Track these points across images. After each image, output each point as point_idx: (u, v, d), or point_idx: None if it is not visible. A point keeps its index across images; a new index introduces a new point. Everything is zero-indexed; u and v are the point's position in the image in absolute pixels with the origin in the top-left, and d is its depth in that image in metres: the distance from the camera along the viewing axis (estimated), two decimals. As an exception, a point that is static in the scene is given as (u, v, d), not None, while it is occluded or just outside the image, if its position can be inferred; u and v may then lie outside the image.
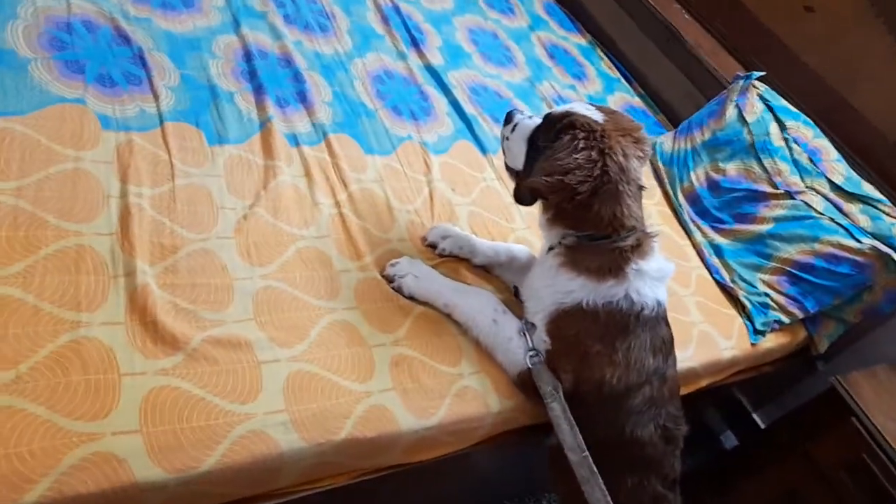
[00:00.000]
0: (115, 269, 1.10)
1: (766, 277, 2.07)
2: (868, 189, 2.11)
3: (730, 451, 2.66)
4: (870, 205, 2.06)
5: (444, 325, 1.38)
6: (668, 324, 1.37)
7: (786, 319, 2.00)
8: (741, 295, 2.04)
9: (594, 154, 1.21)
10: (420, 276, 1.39)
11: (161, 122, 1.40)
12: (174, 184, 1.30)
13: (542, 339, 1.32)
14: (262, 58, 1.75)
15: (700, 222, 2.28)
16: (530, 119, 1.41)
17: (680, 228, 2.25)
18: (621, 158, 1.24)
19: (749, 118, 2.34)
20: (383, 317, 1.33)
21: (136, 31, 1.56)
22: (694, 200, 2.33)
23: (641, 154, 1.31)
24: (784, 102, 2.38)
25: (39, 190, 1.13)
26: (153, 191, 1.26)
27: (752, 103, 2.38)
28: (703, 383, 1.84)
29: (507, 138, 1.44)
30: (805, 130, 2.31)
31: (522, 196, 1.39)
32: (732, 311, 1.99)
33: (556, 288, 1.31)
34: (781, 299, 2.02)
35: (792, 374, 2.35)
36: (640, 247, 1.29)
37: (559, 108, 1.35)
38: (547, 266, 1.34)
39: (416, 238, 1.55)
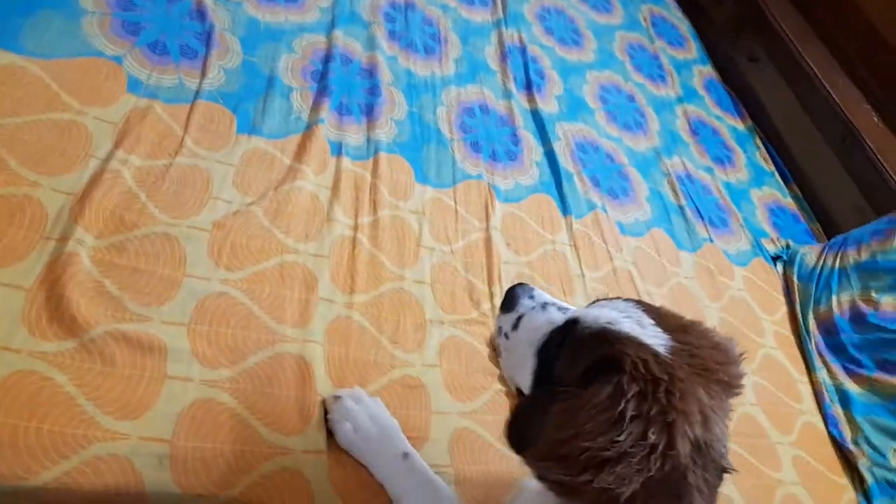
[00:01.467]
0: (51, 231, 0.98)
1: (904, 450, 1.57)
2: None
3: None
4: None
5: (422, 399, 1.12)
6: None
7: (921, 514, 1.48)
8: (862, 463, 1.56)
9: (653, 433, 0.69)
10: (360, 431, 1.00)
11: (195, 98, 1.31)
12: (174, 161, 1.18)
13: None
14: (345, 63, 1.63)
15: (829, 358, 1.81)
16: (544, 310, 0.92)
17: (800, 360, 1.80)
18: (699, 431, 0.72)
19: (924, 246, 1.85)
20: (350, 366, 1.10)
21: (217, 10, 1.50)
22: (829, 331, 1.87)
23: (732, 405, 0.81)
24: (979, 233, 1.86)
25: (18, 131, 1.05)
26: (144, 162, 1.15)
27: (933, 229, 1.89)
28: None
29: (507, 336, 0.95)
30: None
31: (519, 446, 0.84)
32: (843, 481, 1.52)
33: None
34: (919, 485, 1.51)
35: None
36: None
37: (595, 312, 0.83)
38: None
39: (441, 285, 1.31)
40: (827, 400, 1.70)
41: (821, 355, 1.82)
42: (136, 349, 0.93)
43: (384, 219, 1.35)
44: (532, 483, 0.94)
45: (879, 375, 1.72)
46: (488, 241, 1.46)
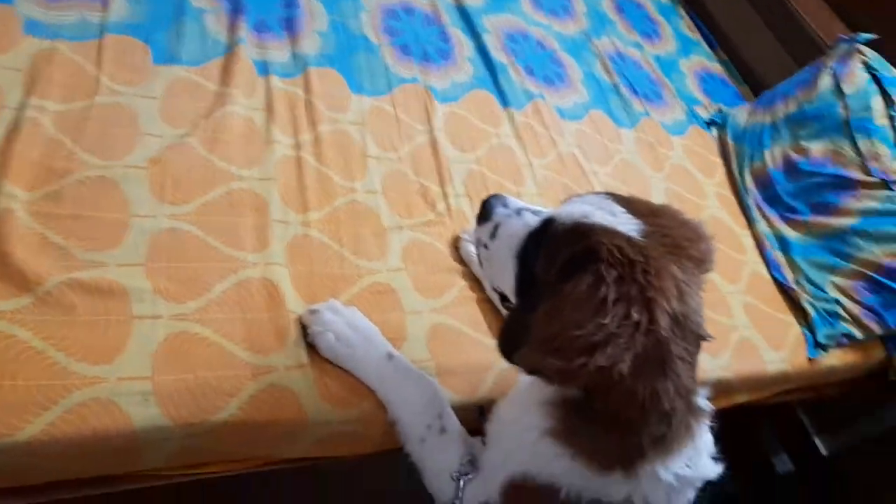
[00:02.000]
0: (-24, 191, 0.93)
1: (841, 282, 1.69)
2: None
3: (783, 476, 2.29)
4: None
5: (394, 302, 1.14)
6: None
7: (858, 334, 1.62)
8: (804, 299, 1.67)
9: (635, 311, 0.74)
10: (342, 340, 1.01)
11: (101, 33, 1.22)
12: (93, 101, 1.11)
13: (488, 492, 0.91)
14: (253, -23, 1.53)
15: (767, 210, 1.91)
16: (519, 216, 0.95)
17: (741, 215, 1.89)
18: (676, 305, 0.77)
19: (847, 90, 1.93)
20: (318, 282, 1.10)
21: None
22: (764, 184, 1.96)
23: (704, 279, 0.85)
24: (896, 72, 1.94)
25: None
26: (62, 107, 1.08)
27: (854, 72, 1.96)
28: (740, 399, 1.51)
29: (486, 246, 0.99)
30: (918, 107, 1.87)
31: (512, 354, 0.86)
32: (789, 318, 1.63)
33: (533, 455, 0.86)
34: (856, 309, 1.64)
35: (866, 400, 1.95)
36: (672, 441, 0.81)
37: (568, 209, 0.86)
38: (528, 418, 0.87)
39: (393, 192, 1.31)
40: (768, 248, 1.80)
41: (759, 208, 1.91)
42: (95, 295, 0.91)
43: (325, 134, 1.32)
44: (524, 377, 0.99)
45: (813, 218, 1.83)
46: (434, 144, 1.45)
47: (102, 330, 0.89)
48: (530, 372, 0.84)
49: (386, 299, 1.14)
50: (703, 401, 0.84)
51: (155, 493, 0.96)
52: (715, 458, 0.86)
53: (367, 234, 1.21)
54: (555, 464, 0.83)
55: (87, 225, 0.97)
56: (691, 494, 0.84)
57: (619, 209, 0.83)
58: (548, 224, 0.87)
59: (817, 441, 2.35)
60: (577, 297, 0.75)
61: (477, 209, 1.31)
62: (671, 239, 0.81)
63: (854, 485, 2.00)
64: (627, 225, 0.80)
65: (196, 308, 0.97)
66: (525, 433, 0.87)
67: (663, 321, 0.74)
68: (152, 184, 1.07)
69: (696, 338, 0.80)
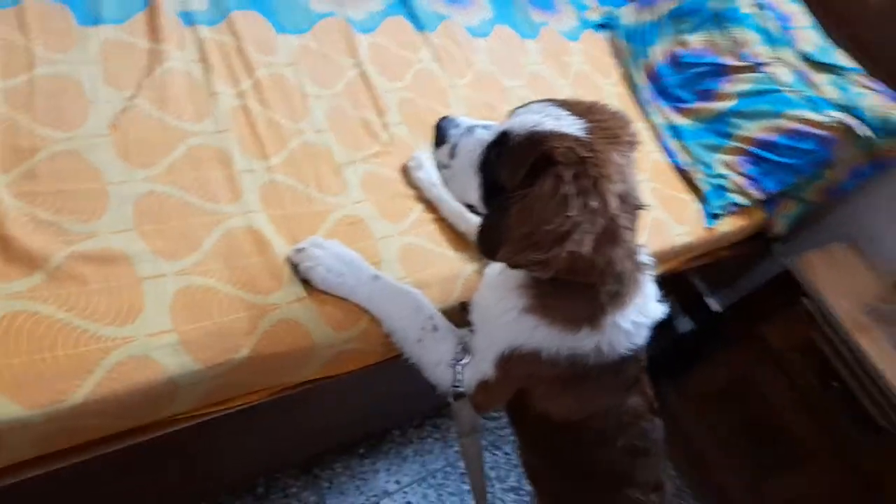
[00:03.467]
0: (-48, 180, 0.93)
1: (725, 158, 1.95)
2: (840, 59, 1.95)
3: (684, 335, 2.65)
4: (840, 75, 1.91)
5: (365, 231, 1.25)
6: (638, 360, 1.11)
7: (743, 201, 1.90)
8: (698, 178, 1.92)
9: (592, 199, 0.88)
10: (332, 271, 1.11)
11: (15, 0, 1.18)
12: (33, 73, 1.10)
13: (483, 370, 1.09)
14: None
15: (659, 102, 2.12)
16: (471, 133, 1.06)
17: (638, 110, 2.09)
18: (620, 186, 0.92)
19: (716, -18, 2.13)
20: (294, 222, 1.18)
21: None
22: (654, 78, 2.15)
23: (634, 157, 0.99)
24: (754, -37, 2.15)
25: None
26: (5, 83, 1.06)
27: (721, -36, 2.15)
28: (658, 271, 1.75)
29: (446, 166, 1.09)
30: (776, -6, 2.11)
31: (492, 253, 1.00)
32: (688, 196, 1.88)
33: (515, 331, 1.04)
34: (740, 180, 1.91)
35: (749, 258, 2.29)
36: (625, 294, 1.00)
37: (519, 120, 0.98)
38: (506, 301, 1.05)
39: (338, 128, 1.38)
40: (664, 137, 2.02)
41: (652, 101, 2.12)
42: (100, 264, 0.96)
43: (263, 79, 1.36)
44: (492, 269, 1.15)
45: (699, 105, 2.06)
46: (364, 76, 1.51)
47: (117, 294, 0.95)
48: (512, 266, 0.99)
49: (357, 229, 1.24)
50: (644, 256, 1.04)
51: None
52: (660, 301, 1.08)
53: (326, 172, 1.29)
54: (535, 333, 1.02)
55: (69, 198, 1.00)
56: (645, 333, 1.07)
57: (563, 113, 0.96)
58: (503, 136, 0.99)
59: (710, 301, 2.74)
60: (544, 197, 0.89)
61: (415, 136, 1.43)
62: (608, 131, 0.95)
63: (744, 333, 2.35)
64: (572, 126, 0.93)
65: (194, 262, 1.04)
66: (505, 314, 1.05)
67: (613, 202, 0.90)
68: (118, 150, 1.09)
69: (635, 208, 0.97)
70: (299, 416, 1.36)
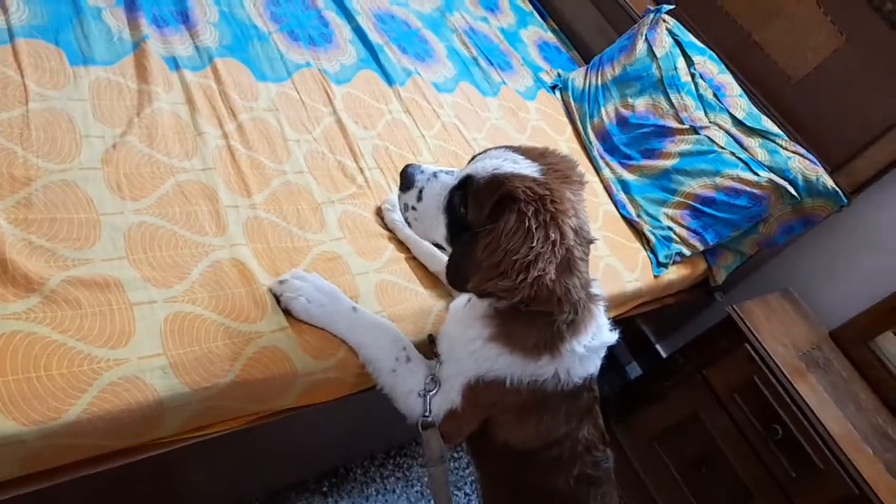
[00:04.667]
0: (-49, 204, 0.96)
1: (670, 211, 2.11)
2: (767, 124, 2.17)
3: (634, 380, 2.77)
4: (768, 139, 2.12)
5: (343, 267, 1.31)
6: (592, 388, 1.22)
7: (687, 252, 2.05)
8: (646, 229, 2.07)
9: (552, 231, 0.99)
10: (313, 302, 1.17)
11: (11, 37, 1.23)
12: (27, 107, 1.14)
13: (451, 399, 1.16)
14: (137, -29, 1.56)
15: (609, 158, 2.28)
16: (436, 178, 1.15)
17: (589, 165, 2.25)
18: (574, 220, 1.03)
19: (658, 52, 2.34)
20: (277, 256, 1.24)
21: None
22: (603, 137, 2.33)
23: (584, 195, 1.12)
24: (692, 37, 2.39)
25: None
26: (1, 116, 1.10)
27: (662, 38, 2.38)
28: (610, 315, 1.86)
29: (414, 208, 1.18)
30: (711, 66, 2.33)
31: (462, 284, 1.08)
32: (637, 245, 2.02)
33: (480, 359, 1.11)
34: (683, 232, 2.06)
35: (692, 306, 2.44)
36: (580, 322, 1.10)
37: (481, 165, 1.08)
38: (471, 331, 1.13)
39: (317, 170, 1.45)
40: (614, 190, 2.18)
41: (602, 157, 2.28)
42: (94, 289, 0.99)
43: (246, 122, 1.43)
44: (457, 303, 1.23)
45: (644, 162, 2.23)
46: (340, 123, 1.61)
47: (110, 318, 0.98)
48: (481, 295, 1.08)
49: (335, 265, 1.31)
50: (597, 288, 1.15)
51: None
52: (611, 329, 1.19)
53: (306, 210, 1.36)
54: (498, 361, 1.11)
55: (63, 226, 1.04)
56: (598, 359, 1.18)
57: (519, 157, 1.08)
58: (467, 180, 1.10)
59: (658, 347, 2.87)
60: (509, 231, 0.99)
61: (388, 180, 1.52)
62: (560, 172, 1.08)
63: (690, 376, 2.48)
64: (529, 168, 1.05)
65: (182, 290, 1.08)
66: (471, 343, 1.13)
67: (569, 235, 1.01)
68: (108, 182, 1.14)
69: (587, 242, 1.09)
70: (270, 446, 1.38)
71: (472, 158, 1.15)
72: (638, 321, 2.58)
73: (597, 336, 1.14)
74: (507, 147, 1.12)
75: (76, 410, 0.89)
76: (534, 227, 0.98)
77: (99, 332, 0.96)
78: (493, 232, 1.02)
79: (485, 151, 1.15)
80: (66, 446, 0.91)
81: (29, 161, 1.08)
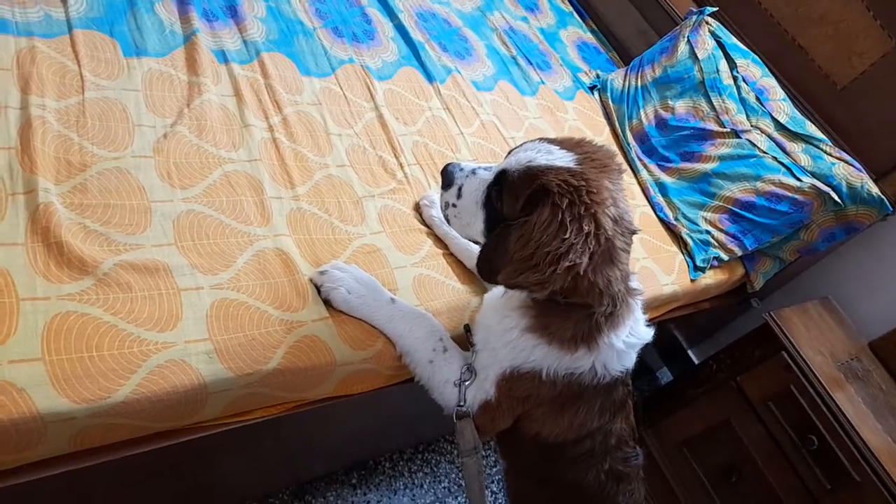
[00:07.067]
0: (13, 187, 1.00)
1: (709, 215, 2.08)
2: (811, 129, 2.12)
3: (665, 386, 2.74)
4: (812, 144, 2.08)
5: (382, 260, 1.32)
6: (626, 383, 1.21)
7: (725, 256, 2.02)
8: (683, 232, 2.04)
9: (586, 224, 0.97)
10: (353, 293, 1.18)
11: (70, 29, 1.27)
12: (84, 97, 1.18)
13: (486, 390, 1.16)
14: (188, -34, 1.59)
15: (647, 161, 2.26)
16: (474, 174, 1.16)
17: (627, 166, 2.23)
18: (613, 210, 1.01)
19: (700, 55, 2.31)
20: (318, 247, 1.26)
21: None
22: (642, 139, 2.31)
23: (624, 184, 1.10)
24: (735, 40, 2.35)
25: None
26: (59, 103, 1.14)
27: (704, 40, 2.35)
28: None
29: (454, 205, 1.19)
30: (754, 69, 2.29)
31: (492, 276, 1.10)
32: (674, 248, 1.99)
33: (516, 350, 1.11)
34: (722, 237, 2.04)
35: (725, 312, 2.41)
36: (619, 315, 1.09)
37: (515, 159, 1.08)
38: (507, 321, 1.13)
39: (358, 165, 1.47)
40: (652, 193, 2.16)
41: (640, 159, 2.27)
42: (144, 273, 1.02)
43: (291, 116, 1.45)
44: (494, 292, 1.23)
45: (683, 165, 2.21)
46: (381, 119, 1.62)
47: (159, 303, 1.01)
48: (511, 287, 1.08)
49: (375, 258, 1.32)
50: (635, 283, 1.14)
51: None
52: (648, 325, 1.17)
53: (347, 203, 1.38)
54: (534, 352, 1.10)
55: (116, 212, 1.07)
56: (634, 354, 1.16)
57: (554, 148, 1.07)
58: (503, 174, 1.10)
59: (690, 353, 2.84)
60: (542, 224, 0.99)
61: (427, 176, 1.53)
62: (597, 161, 1.06)
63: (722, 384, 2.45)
64: (564, 159, 1.04)
65: (228, 278, 1.10)
66: (507, 333, 1.13)
67: (607, 224, 0.99)
68: (159, 171, 1.17)
69: (630, 232, 1.07)
70: (302, 436, 1.41)
71: (510, 152, 1.15)
72: (671, 326, 2.55)
73: (634, 330, 1.14)
74: (542, 139, 1.12)
75: (125, 391, 0.91)
76: (567, 219, 0.97)
77: (148, 316, 0.99)
78: (526, 224, 1.01)
79: (521, 144, 1.14)
80: (113, 426, 0.93)
81: (84, 148, 1.11)
